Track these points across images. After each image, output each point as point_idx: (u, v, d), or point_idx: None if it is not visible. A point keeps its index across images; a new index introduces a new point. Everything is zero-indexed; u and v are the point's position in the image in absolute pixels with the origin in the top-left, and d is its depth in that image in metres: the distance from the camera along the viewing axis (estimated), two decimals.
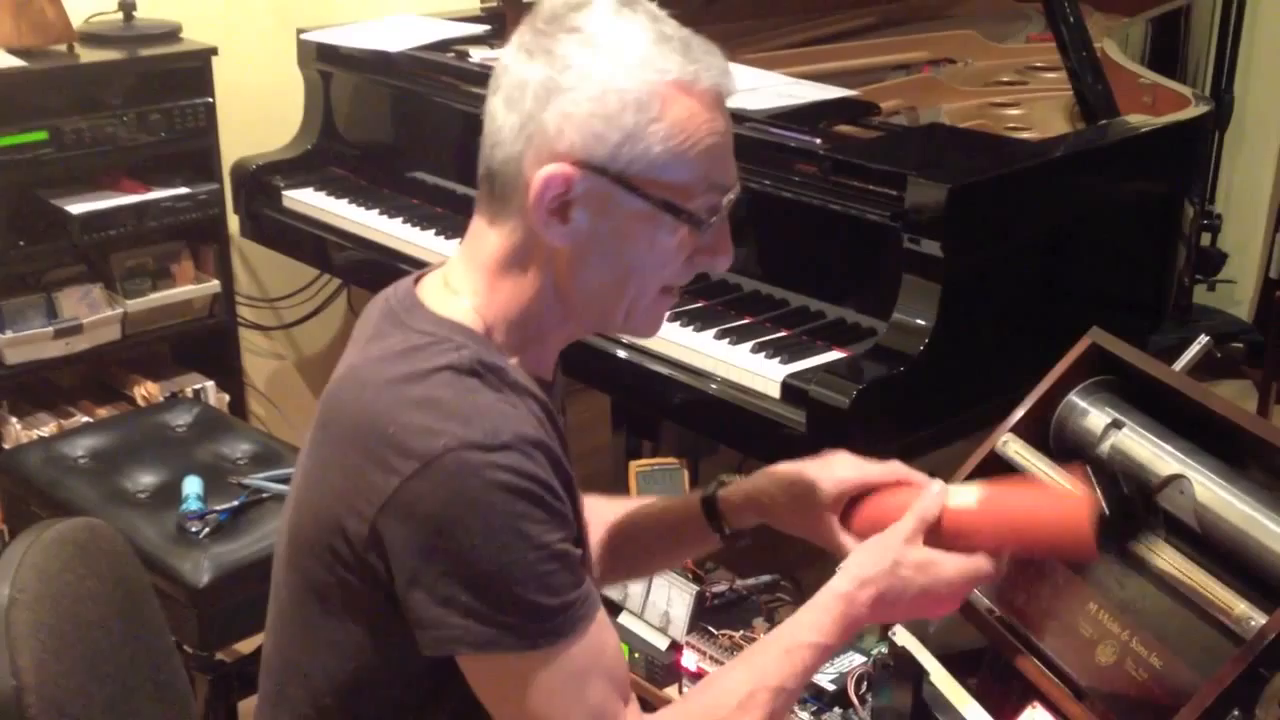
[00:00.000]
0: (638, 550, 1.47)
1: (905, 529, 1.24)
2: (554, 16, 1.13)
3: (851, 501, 1.34)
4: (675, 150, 1.12)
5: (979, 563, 1.24)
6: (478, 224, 1.19)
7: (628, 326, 1.20)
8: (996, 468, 1.45)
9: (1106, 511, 1.25)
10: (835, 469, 1.35)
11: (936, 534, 1.25)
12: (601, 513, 1.46)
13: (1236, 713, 1.12)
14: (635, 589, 2.09)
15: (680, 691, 2.01)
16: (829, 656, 1.24)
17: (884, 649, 1.46)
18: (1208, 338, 1.43)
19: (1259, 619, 1.15)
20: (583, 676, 1.11)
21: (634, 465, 2.40)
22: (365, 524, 1.09)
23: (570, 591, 1.10)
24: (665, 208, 1.13)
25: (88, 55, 2.92)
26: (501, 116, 1.14)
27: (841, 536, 1.32)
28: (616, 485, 2.47)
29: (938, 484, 1.29)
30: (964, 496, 1.26)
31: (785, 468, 1.39)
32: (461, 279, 1.19)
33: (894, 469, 1.34)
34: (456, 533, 1.06)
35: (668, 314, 2.16)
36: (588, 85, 1.10)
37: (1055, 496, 1.26)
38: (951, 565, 1.23)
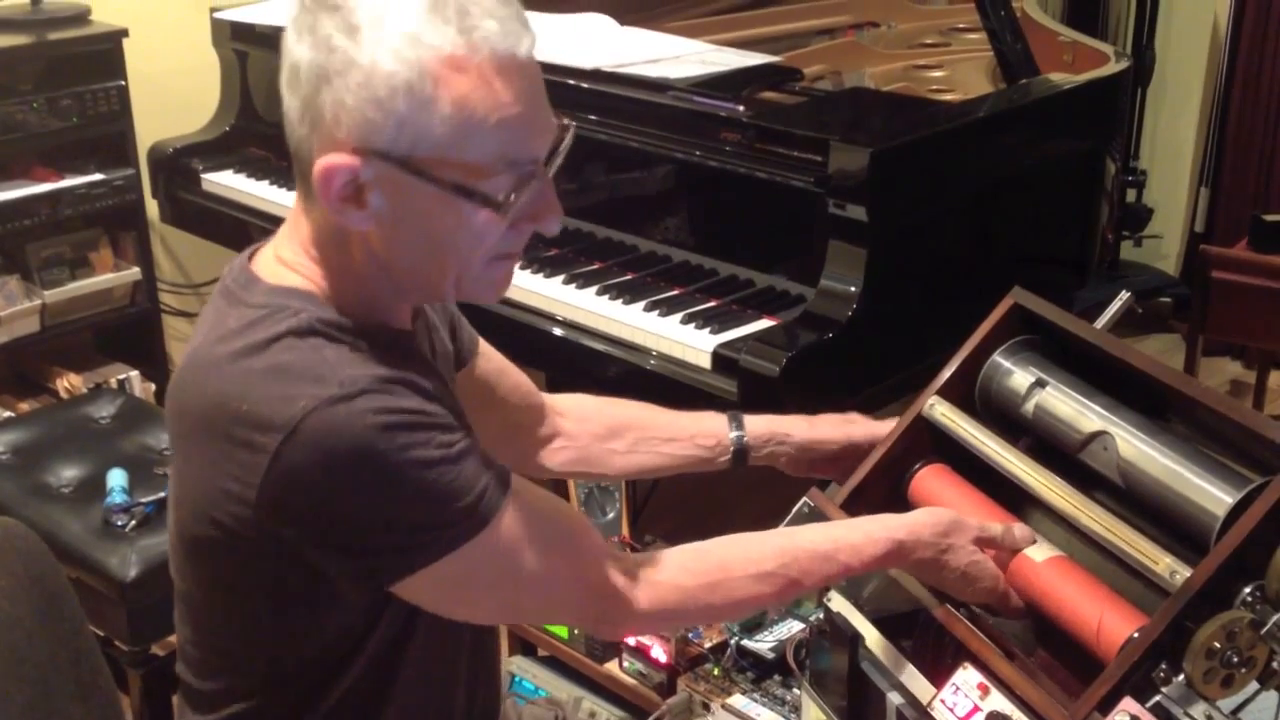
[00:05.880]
0: (651, 456, 1.52)
1: (980, 527, 1.30)
2: None
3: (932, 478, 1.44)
4: (459, 130, 1.04)
5: (1011, 596, 1.31)
6: (297, 200, 1.16)
7: (463, 296, 1.19)
8: (924, 431, 1.46)
9: None
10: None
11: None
12: (608, 410, 1.53)
13: (1164, 665, 1.13)
14: None
15: (621, 668, 2.00)
16: (850, 577, 1.33)
17: (820, 615, 1.46)
18: (1128, 294, 1.44)
19: (1184, 572, 1.16)
20: (519, 546, 1.12)
21: None
22: (247, 507, 1.07)
23: (480, 478, 1.10)
24: (457, 191, 1.06)
25: None
26: (286, 98, 1.09)
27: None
28: None
29: (1027, 531, 1.35)
30: (1034, 551, 1.32)
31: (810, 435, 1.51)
32: (290, 254, 1.16)
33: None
34: (348, 488, 1.05)
35: (596, 287, 2.21)
36: (353, 72, 1.03)
37: (1099, 608, 1.25)
38: (990, 578, 1.30)
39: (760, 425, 1.52)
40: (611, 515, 2.25)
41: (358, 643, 1.16)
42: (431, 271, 1.12)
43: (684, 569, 1.22)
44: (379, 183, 1.06)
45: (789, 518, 1.48)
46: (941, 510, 1.32)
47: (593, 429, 1.52)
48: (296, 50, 1.06)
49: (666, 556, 1.23)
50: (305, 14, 1.06)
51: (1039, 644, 1.32)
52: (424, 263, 1.12)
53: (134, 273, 3.09)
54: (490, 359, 1.45)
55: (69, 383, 3.04)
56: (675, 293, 2.21)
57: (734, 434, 1.50)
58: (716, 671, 1.87)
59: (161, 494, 2.19)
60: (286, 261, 1.15)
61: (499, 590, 1.14)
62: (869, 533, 1.27)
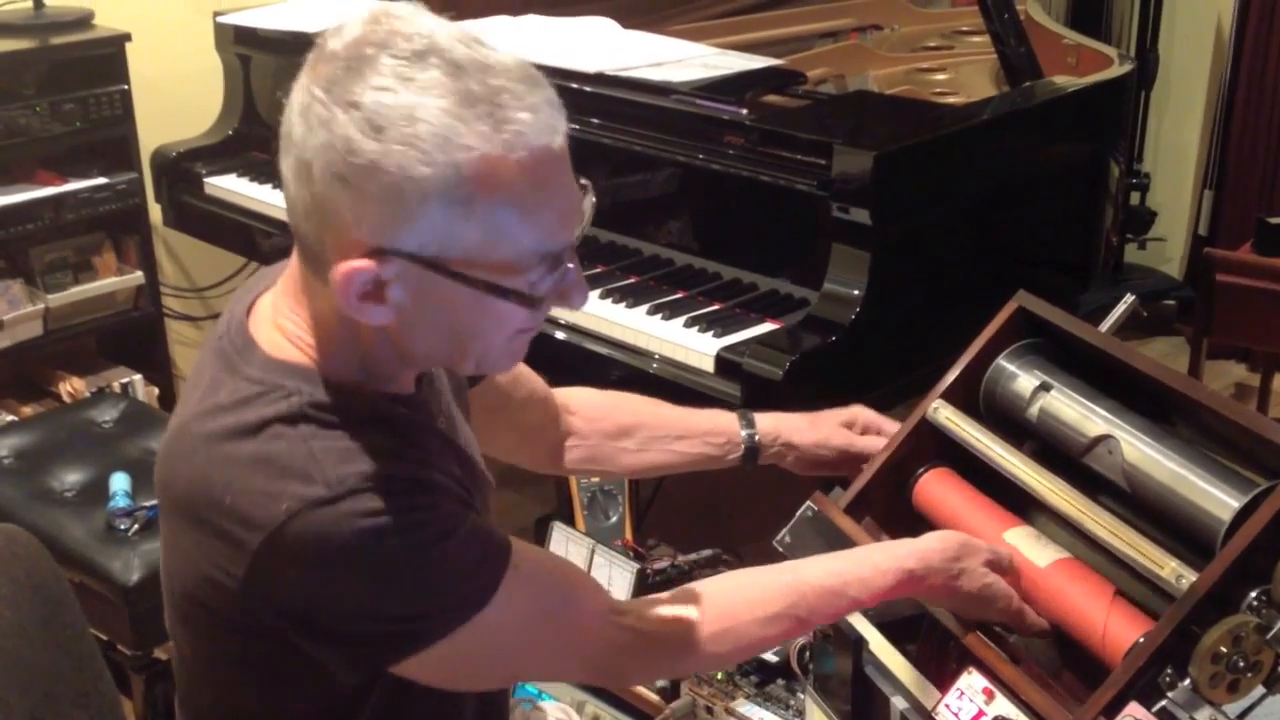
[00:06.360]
0: (661, 454, 1.51)
1: (989, 549, 1.28)
2: (332, 82, 0.97)
3: (937, 483, 1.43)
4: (493, 233, 0.98)
5: (1028, 613, 1.28)
6: (300, 273, 1.08)
7: (480, 371, 1.15)
8: (928, 434, 1.45)
9: None
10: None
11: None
12: (618, 407, 1.51)
13: (1170, 670, 1.12)
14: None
15: None
16: (860, 610, 1.29)
17: None
18: (1133, 297, 1.43)
19: (1189, 576, 1.16)
20: (516, 621, 1.09)
21: None
22: (230, 595, 1.04)
23: (475, 562, 1.06)
24: (489, 290, 1.00)
25: None
26: (291, 187, 1.00)
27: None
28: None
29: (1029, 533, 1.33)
30: (1038, 555, 1.31)
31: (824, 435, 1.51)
32: (290, 325, 1.09)
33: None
34: (333, 589, 1.02)
35: (600, 291, 2.20)
36: (378, 176, 0.95)
37: (1104, 612, 1.24)
38: (1004, 598, 1.27)
39: (768, 424, 1.51)
40: (615, 519, 2.25)
41: (355, 703, 1.12)
42: (451, 353, 1.09)
43: (688, 620, 1.18)
44: (401, 279, 1.00)
45: (792, 523, 1.48)
46: (950, 534, 1.29)
47: (604, 428, 1.50)
48: (308, 145, 0.97)
49: (669, 606, 1.19)
50: (317, 105, 0.97)
51: (1037, 663, 1.32)
52: (444, 347, 1.08)
53: (137, 277, 3.09)
54: None
55: (72, 387, 3.04)
56: (678, 296, 2.21)
57: (745, 432, 1.49)
58: (720, 676, 1.87)
59: None
60: (286, 333, 1.09)
61: (498, 664, 1.12)
62: (877, 564, 1.24)
